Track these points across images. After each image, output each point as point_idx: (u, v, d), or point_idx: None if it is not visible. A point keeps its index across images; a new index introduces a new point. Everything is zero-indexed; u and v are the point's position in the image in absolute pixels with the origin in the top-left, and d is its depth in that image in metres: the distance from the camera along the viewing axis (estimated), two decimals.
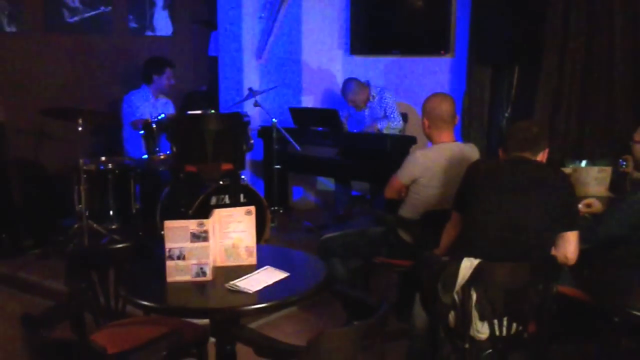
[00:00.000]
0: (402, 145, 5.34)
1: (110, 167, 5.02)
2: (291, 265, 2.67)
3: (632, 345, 2.87)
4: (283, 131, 5.45)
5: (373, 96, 5.87)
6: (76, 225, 4.80)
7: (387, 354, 2.20)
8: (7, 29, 5.65)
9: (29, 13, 5.78)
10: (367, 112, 5.93)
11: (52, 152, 5.74)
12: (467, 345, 2.71)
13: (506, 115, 5.51)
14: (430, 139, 3.70)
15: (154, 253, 2.84)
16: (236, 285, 2.40)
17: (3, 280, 4.73)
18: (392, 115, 5.81)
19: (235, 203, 4.56)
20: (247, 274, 2.50)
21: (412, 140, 5.41)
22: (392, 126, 5.80)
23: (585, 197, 3.54)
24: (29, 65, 5.77)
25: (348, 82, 5.87)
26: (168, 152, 4.91)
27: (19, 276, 4.68)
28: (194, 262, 2.46)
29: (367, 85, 5.89)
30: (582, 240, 2.88)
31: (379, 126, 5.79)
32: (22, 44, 5.75)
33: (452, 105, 3.65)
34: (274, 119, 5.47)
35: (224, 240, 2.64)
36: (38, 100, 5.51)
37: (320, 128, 5.83)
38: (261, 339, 2.41)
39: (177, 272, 2.46)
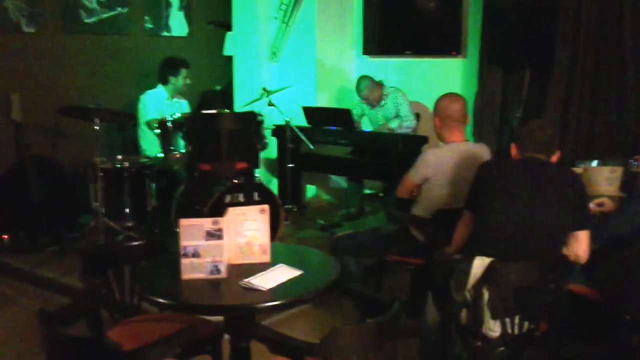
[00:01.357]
0: (414, 144, 5.35)
1: (126, 165, 5.06)
2: (305, 263, 2.67)
3: None
4: (297, 130, 5.48)
5: (386, 95, 5.90)
6: (92, 223, 4.84)
7: (399, 352, 2.22)
8: (26, 30, 5.71)
9: (47, 14, 5.84)
10: (379, 111, 5.95)
11: (69, 151, 5.80)
12: (479, 343, 2.73)
13: (517, 115, 5.51)
14: (441, 139, 3.71)
15: (169, 251, 2.88)
16: (250, 283, 2.41)
17: (20, 277, 4.79)
18: (405, 115, 5.83)
19: (249, 201, 4.58)
20: (261, 271, 2.51)
21: (423, 140, 5.42)
22: (405, 125, 5.81)
23: (597, 196, 3.54)
24: (46, 65, 5.83)
25: (362, 79, 5.90)
26: (183, 151, 4.95)
27: (36, 273, 4.72)
28: (209, 259, 2.47)
29: (380, 83, 5.92)
30: (593, 239, 2.89)
31: (392, 125, 5.81)
32: (40, 44, 5.81)
33: (463, 105, 3.66)
34: (287, 118, 5.51)
35: (238, 238, 2.65)
36: (56, 99, 5.55)
37: (333, 127, 5.85)
38: (275, 336, 2.42)
39: (192, 270, 2.47)
